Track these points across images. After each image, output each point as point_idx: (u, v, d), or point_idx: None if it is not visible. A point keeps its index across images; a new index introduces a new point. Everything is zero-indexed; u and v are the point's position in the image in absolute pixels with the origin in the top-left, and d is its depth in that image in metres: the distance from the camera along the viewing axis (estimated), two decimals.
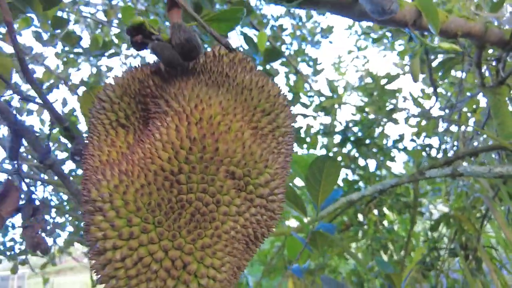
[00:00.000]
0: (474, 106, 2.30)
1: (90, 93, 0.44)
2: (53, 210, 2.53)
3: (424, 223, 3.02)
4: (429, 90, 2.70)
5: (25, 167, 2.02)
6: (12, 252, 2.52)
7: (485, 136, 2.01)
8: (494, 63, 1.56)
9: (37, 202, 0.53)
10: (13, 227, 2.62)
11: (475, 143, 1.96)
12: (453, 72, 2.17)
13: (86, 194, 0.30)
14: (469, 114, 2.35)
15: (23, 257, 2.61)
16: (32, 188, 0.55)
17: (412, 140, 2.67)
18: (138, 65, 0.37)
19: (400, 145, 2.54)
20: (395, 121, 2.46)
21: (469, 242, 2.04)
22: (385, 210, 2.10)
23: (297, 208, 0.70)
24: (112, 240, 0.26)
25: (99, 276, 0.27)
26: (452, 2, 1.72)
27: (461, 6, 1.76)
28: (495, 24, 1.33)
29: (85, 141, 0.35)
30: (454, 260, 2.53)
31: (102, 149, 0.33)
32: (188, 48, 0.32)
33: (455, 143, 2.27)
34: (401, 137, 2.54)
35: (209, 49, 0.39)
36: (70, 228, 2.96)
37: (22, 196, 0.49)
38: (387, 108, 2.05)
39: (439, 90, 2.47)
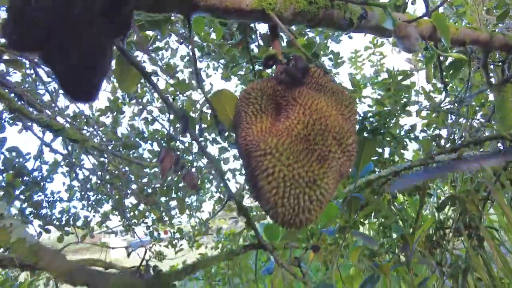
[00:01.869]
0: (482, 101, 2.51)
1: (218, 95, 0.69)
2: None
3: (432, 207, 3.25)
4: (440, 85, 2.90)
5: None
6: (61, 223, 2.83)
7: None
8: (500, 64, 1.77)
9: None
10: (61, 200, 2.94)
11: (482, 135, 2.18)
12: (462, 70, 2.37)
13: (254, 148, 0.54)
14: (477, 108, 2.56)
15: (69, 228, 2.93)
16: None
17: (423, 130, 2.89)
18: (267, 78, 0.62)
19: (412, 135, 2.76)
20: (408, 113, 2.69)
21: (472, 222, 2.28)
22: (397, 193, 2.34)
23: None
24: (278, 167, 0.51)
25: (268, 190, 0.51)
26: (465, 7, 1.92)
27: (473, 11, 1.96)
28: (501, 32, 1.55)
29: (237, 123, 0.60)
30: (458, 240, 2.76)
31: (255, 125, 0.57)
32: (304, 70, 0.56)
33: (463, 134, 2.48)
34: (413, 128, 2.77)
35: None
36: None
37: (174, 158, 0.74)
38: (402, 102, 2.27)
39: (450, 86, 2.67)
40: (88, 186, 3.30)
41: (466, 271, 2.36)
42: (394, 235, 2.52)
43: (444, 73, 1.56)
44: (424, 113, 3.00)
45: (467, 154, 1.44)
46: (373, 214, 2.28)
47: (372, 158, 2.42)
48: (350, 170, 0.58)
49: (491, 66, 1.85)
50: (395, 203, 2.36)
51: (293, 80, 0.57)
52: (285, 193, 0.51)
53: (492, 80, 1.83)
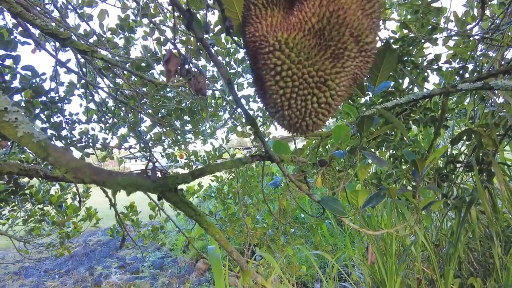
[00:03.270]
0: None
1: None
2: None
3: (446, 140, 3.21)
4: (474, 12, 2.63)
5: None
6: (81, 144, 2.95)
7: None
8: None
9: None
10: (80, 122, 3.03)
11: None
12: None
13: (263, 44, 0.51)
14: None
15: (89, 150, 3.06)
16: None
17: (447, 62, 2.72)
18: None
19: (435, 65, 2.61)
20: (434, 42, 2.50)
21: (485, 157, 2.25)
22: (411, 124, 2.29)
23: (357, 89, 0.90)
24: (286, 64, 0.48)
25: (275, 90, 0.49)
26: None
27: None
28: None
29: (246, 19, 0.55)
30: (468, 176, 2.78)
31: (265, 18, 0.53)
32: None
33: (492, 67, 2.33)
34: (437, 58, 2.60)
35: None
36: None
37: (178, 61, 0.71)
38: (429, 27, 2.10)
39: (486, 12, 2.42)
40: (104, 109, 3.36)
41: (470, 204, 2.41)
42: (404, 167, 2.54)
43: None
44: (451, 44, 2.79)
45: (493, 83, 1.35)
46: (384, 145, 2.28)
47: (390, 88, 2.33)
48: (366, 77, 0.54)
49: None
50: (408, 135, 2.33)
51: None
52: (292, 94, 0.49)
53: None
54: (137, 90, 2.32)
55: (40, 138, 0.59)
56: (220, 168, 0.78)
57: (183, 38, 2.55)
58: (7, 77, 2.33)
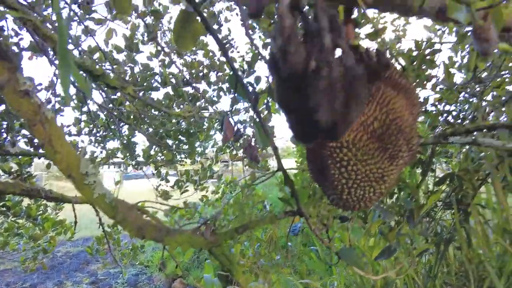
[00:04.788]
0: (499, 83, 2.51)
1: None
2: None
3: (429, 181, 3.41)
4: (459, 59, 2.86)
5: None
6: None
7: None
8: None
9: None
10: (70, 134, 2.98)
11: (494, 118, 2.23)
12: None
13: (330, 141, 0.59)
14: (493, 90, 2.57)
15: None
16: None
17: (433, 104, 2.93)
18: None
19: (423, 108, 2.80)
20: (423, 86, 2.69)
21: (464, 198, 2.43)
22: None
23: None
24: (353, 161, 0.56)
25: (337, 178, 0.57)
26: None
27: None
28: None
29: None
30: (446, 213, 2.96)
31: None
32: (386, 66, 0.59)
33: (474, 114, 2.53)
34: (426, 100, 2.80)
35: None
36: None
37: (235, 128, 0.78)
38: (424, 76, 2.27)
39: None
40: (96, 122, 3.33)
41: (449, 241, 2.57)
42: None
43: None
44: (438, 88, 3.00)
45: (481, 140, 1.50)
46: None
47: None
48: (409, 163, 0.63)
49: None
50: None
51: (373, 75, 0.59)
52: (354, 184, 0.57)
53: None
54: (140, 111, 2.35)
55: (111, 198, 0.64)
56: (260, 224, 0.84)
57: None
58: None
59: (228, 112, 0.79)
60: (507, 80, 2.51)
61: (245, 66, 2.58)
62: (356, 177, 0.56)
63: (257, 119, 0.76)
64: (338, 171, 0.57)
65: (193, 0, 0.62)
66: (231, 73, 0.64)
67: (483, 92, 2.47)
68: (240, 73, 3.33)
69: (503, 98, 2.30)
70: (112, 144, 3.71)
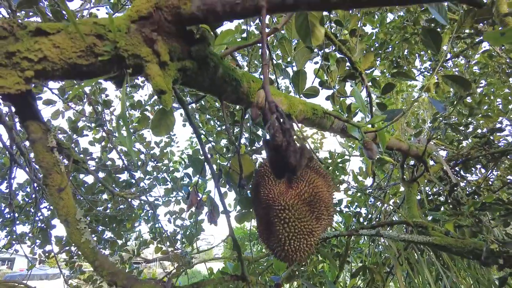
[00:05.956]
0: (396, 191, 3.10)
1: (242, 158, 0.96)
2: None
3: (346, 274, 3.67)
4: (367, 169, 3.49)
5: None
6: None
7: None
8: (411, 166, 2.33)
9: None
10: None
11: (393, 217, 2.70)
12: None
13: (276, 203, 0.80)
14: (391, 196, 3.15)
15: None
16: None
17: (346, 206, 3.40)
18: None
19: (338, 208, 3.23)
20: (337, 189, 3.18)
21: None
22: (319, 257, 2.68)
23: None
24: (292, 219, 0.77)
25: (281, 232, 0.76)
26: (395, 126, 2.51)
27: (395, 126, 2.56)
28: (415, 143, 2.10)
29: (259, 182, 0.86)
30: None
31: (274, 187, 0.84)
32: (310, 159, 0.87)
33: (378, 215, 3.01)
34: (339, 202, 3.25)
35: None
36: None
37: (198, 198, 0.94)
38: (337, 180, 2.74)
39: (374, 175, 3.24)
40: (12, 202, 3.08)
41: None
42: None
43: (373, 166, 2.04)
44: (349, 192, 3.53)
45: (383, 232, 1.84)
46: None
47: None
48: (330, 226, 0.87)
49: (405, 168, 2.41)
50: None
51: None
52: (293, 236, 0.78)
53: (405, 177, 2.38)
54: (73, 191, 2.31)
55: (94, 245, 0.75)
56: (211, 282, 0.97)
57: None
58: None
59: (195, 186, 0.97)
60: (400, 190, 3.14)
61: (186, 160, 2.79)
62: (294, 231, 0.78)
63: (218, 194, 0.96)
64: (281, 227, 0.78)
65: (184, 103, 0.86)
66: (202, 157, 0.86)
67: (385, 196, 3.01)
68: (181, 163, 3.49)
69: (399, 202, 2.83)
70: (23, 228, 3.36)
